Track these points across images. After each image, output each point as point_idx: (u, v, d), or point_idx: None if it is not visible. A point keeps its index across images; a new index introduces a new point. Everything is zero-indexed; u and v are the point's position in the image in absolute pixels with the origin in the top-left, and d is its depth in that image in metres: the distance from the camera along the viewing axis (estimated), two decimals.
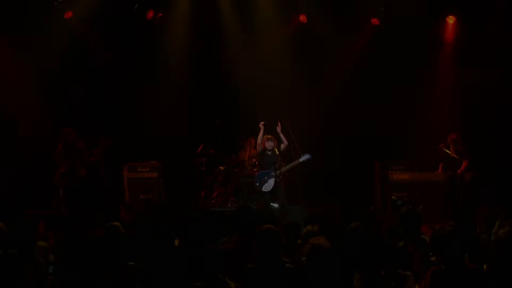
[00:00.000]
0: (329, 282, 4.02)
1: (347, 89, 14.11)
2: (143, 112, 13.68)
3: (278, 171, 10.66)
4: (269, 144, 10.86)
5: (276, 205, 10.77)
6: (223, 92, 14.24)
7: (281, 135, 11.06)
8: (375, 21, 13.76)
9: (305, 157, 10.97)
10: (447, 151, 11.32)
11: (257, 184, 10.94)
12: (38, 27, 12.44)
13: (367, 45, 14.06)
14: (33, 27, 12.41)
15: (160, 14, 13.52)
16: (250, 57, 14.13)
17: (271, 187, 10.78)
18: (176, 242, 6.24)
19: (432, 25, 13.68)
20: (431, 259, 5.46)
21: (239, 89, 14.01)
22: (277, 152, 10.85)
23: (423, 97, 13.94)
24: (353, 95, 14.01)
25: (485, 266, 5.35)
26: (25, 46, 12.41)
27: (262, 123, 11.25)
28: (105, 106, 13.37)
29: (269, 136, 10.99)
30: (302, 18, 13.79)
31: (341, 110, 14.35)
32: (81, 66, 13.25)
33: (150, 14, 13.34)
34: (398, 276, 5.07)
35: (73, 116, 12.86)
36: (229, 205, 12.15)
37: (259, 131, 12.28)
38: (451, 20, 13.61)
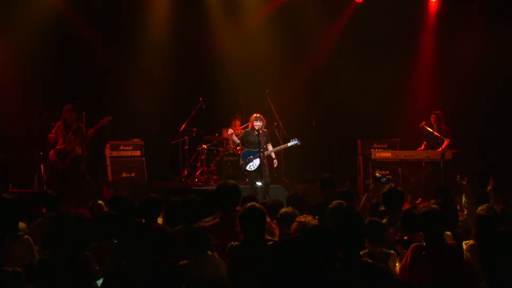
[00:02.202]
0: (317, 260, 4.05)
1: (330, 67, 14.11)
2: (126, 90, 13.57)
3: (262, 153, 10.62)
4: (257, 124, 10.78)
5: (260, 184, 10.79)
6: (206, 70, 14.16)
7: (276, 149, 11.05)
8: None
9: (294, 142, 10.95)
10: (429, 129, 11.39)
11: (242, 162, 10.92)
12: (17, 2, 12.25)
13: (350, 22, 14.02)
14: (11, 2, 12.21)
15: None
16: (234, 34, 14.05)
17: (256, 166, 10.76)
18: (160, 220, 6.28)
19: (415, 3, 13.68)
20: (404, 237, 5.51)
21: (222, 67, 13.93)
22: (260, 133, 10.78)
23: (405, 75, 13.99)
24: (336, 73, 14.02)
25: (464, 243, 5.43)
26: (3, 22, 12.20)
27: (230, 132, 11.25)
28: (87, 83, 13.23)
29: (257, 115, 10.89)
30: None
31: (324, 88, 14.36)
32: (62, 42, 13.07)
33: None
34: (381, 255, 5.12)
35: (53, 93, 12.74)
36: (212, 183, 12.16)
37: (240, 113, 12.34)
38: None
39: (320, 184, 7.66)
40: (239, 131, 12.87)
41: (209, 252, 4.89)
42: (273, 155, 11.13)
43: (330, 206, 6.05)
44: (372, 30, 13.60)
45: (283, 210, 5.88)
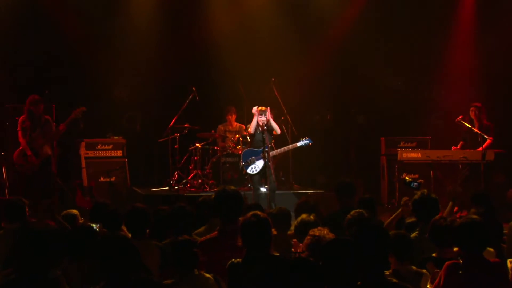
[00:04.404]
0: (335, 279, 4.04)
1: (348, 50, 14.08)
2: (104, 77, 13.54)
3: (267, 153, 10.58)
4: (262, 119, 10.74)
5: (264, 190, 10.77)
6: (200, 54, 14.14)
7: (272, 122, 10.90)
8: None
9: (304, 142, 10.93)
10: (467, 124, 11.35)
11: (243, 164, 10.91)
12: None
13: (371, 2, 13.98)
14: None
15: None
16: (233, 11, 14.01)
17: (259, 169, 10.74)
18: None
19: None
20: (433, 254, 5.50)
21: (219, 51, 13.91)
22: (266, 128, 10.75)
23: (438, 63, 13.95)
24: (355, 57, 13.99)
25: (509, 261, 5.42)
26: None
27: (257, 108, 10.98)
28: (57, 70, 13.22)
29: (262, 108, 10.86)
30: None
31: (340, 76, 14.34)
32: (27, 21, 13.04)
33: None
34: (410, 274, 5.11)
35: (15, 82, 12.71)
36: (208, 189, 12.16)
37: (240, 106, 12.29)
38: None
39: (336, 191, 7.64)
40: (235, 126, 12.84)
41: (196, 271, 4.90)
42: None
43: (349, 216, 6.05)
44: (399, 6, 13.57)
45: (304, 216, 5.89)
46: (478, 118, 11.40)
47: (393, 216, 6.97)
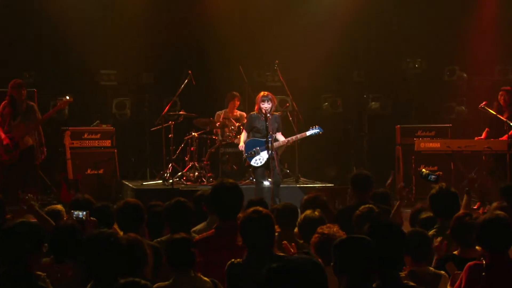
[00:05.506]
0: (350, 282, 4.04)
1: (360, 29, 14.06)
2: (91, 59, 13.52)
3: (271, 143, 10.55)
4: (265, 106, 10.72)
5: (267, 183, 10.77)
6: (197, 34, 14.12)
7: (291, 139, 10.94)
8: None
9: (314, 131, 10.91)
10: (491, 111, 11.33)
11: (246, 155, 10.90)
12: None
13: None
14: None
15: None
16: None
17: (263, 161, 10.72)
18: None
19: None
20: (454, 252, 5.51)
21: (218, 30, 13.89)
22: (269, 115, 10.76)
23: (460, 44, 13.91)
24: (367, 41, 13.97)
25: None
26: None
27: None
28: (39, 51, 13.22)
29: (265, 93, 10.83)
30: None
31: (351, 58, 14.32)
32: (17, 6, 13.07)
33: None
34: (428, 276, 5.11)
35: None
36: (205, 182, 12.17)
37: (241, 91, 12.33)
38: None
39: (352, 184, 7.62)
40: (236, 114, 12.83)
41: (192, 273, 4.90)
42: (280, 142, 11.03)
43: (358, 212, 6.05)
44: None
45: (308, 212, 5.88)
46: (509, 104, 11.35)
47: (394, 208, 6.95)
